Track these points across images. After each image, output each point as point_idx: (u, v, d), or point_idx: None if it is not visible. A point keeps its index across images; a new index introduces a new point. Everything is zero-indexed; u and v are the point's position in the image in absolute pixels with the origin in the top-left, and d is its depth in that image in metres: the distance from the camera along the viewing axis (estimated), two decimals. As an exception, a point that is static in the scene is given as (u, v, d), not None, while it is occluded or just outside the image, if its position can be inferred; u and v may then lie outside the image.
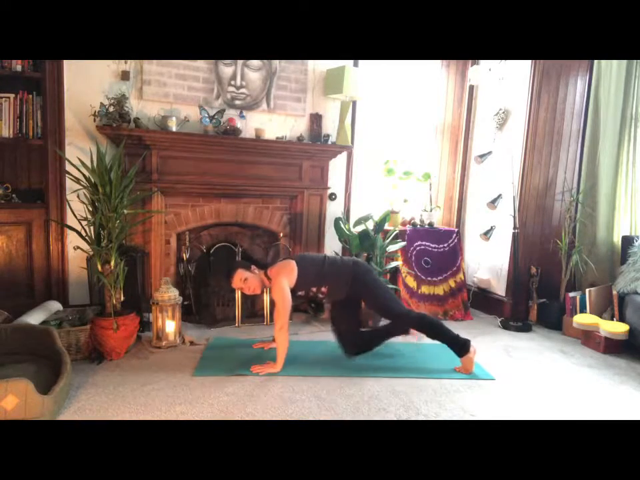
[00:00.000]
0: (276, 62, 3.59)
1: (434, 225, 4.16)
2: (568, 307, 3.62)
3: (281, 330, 2.57)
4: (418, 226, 4.06)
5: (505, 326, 3.67)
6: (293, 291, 2.71)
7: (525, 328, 3.63)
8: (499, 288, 3.98)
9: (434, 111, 4.33)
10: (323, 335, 3.27)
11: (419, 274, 3.88)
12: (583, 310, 3.51)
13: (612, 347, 3.14)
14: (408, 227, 3.99)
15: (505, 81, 3.92)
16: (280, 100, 3.63)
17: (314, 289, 2.83)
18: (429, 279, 3.92)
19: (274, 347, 2.80)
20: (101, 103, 3.03)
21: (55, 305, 2.92)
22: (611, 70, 3.57)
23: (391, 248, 3.63)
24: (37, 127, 2.99)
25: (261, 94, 3.58)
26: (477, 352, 2.73)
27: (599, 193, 3.68)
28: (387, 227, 3.76)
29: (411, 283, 3.83)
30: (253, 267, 2.74)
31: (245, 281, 2.67)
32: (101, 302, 2.89)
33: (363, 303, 2.95)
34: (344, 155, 3.91)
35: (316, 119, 3.75)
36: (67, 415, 2.05)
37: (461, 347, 2.68)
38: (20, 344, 2.36)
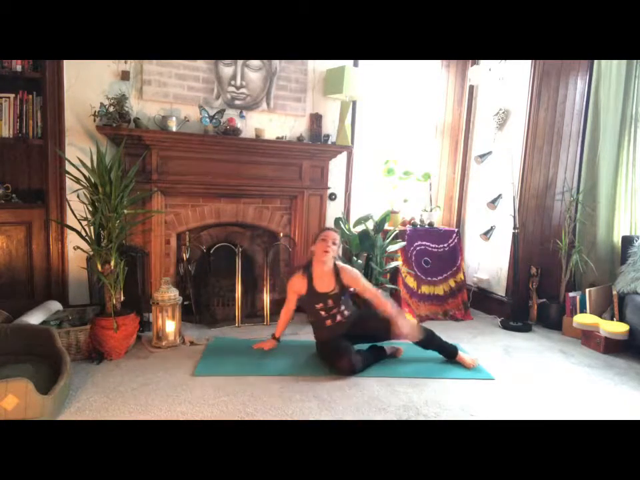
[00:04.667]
0: (276, 62, 3.58)
1: (434, 225, 4.16)
2: (568, 307, 3.62)
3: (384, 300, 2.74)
4: (418, 226, 4.06)
5: (505, 326, 3.67)
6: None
7: (525, 328, 3.62)
8: (499, 288, 3.98)
9: (434, 111, 4.33)
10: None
11: (419, 274, 3.88)
12: (583, 310, 3.51)
13: (612, 346, 3.14)
14: (408, 227, 3.99)
15: (505, 81, 3.92)
16: (280, 100, 3.63)
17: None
18: (429, 278, 3.92)
19: (274, 347, 2.87)
20: (101, 103, 3.03)
21: (55, 305, 2.92)
22: (610, 70, 3.56)
23: (391, 248, 3.63)
24: (37, 126, 2.99)
25: (261, 94, 3.58)
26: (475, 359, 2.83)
27: (599, 193, 3.67)
28: (386, 227, 3.76)
29: (411, 282, 3.83)
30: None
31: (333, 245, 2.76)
32: (101, 302, 2.89)
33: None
34: (344, 155, 3.91)
35: (316, 119, 3.75)
36: (67, 415, 2.05)
37: (448, 353, 2.82)
38: (20, 344, 2.36)
